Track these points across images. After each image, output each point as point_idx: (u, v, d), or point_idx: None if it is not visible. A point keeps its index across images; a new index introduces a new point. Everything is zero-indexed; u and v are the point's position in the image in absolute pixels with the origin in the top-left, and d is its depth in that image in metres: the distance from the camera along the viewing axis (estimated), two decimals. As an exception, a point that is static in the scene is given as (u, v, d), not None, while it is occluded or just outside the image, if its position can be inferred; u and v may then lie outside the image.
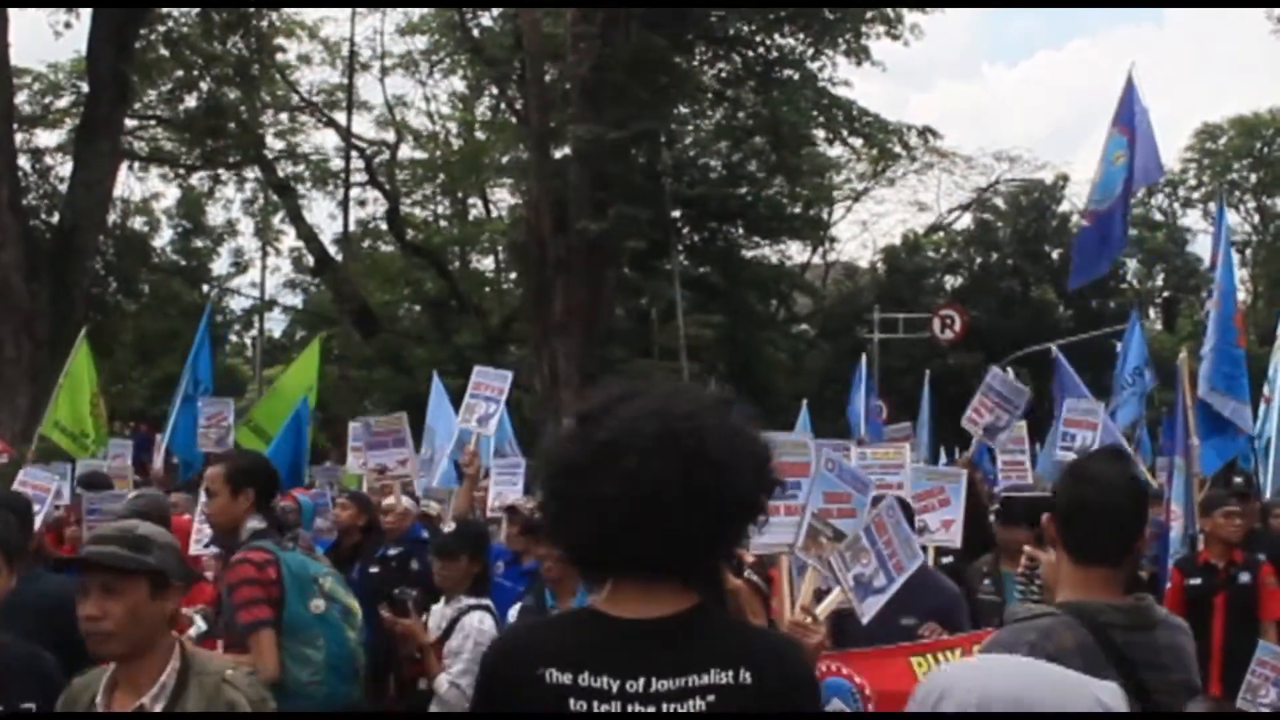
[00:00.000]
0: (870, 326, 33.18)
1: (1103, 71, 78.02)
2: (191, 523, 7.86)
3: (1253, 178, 46.21)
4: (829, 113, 29.94)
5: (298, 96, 35.47)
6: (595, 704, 2.12)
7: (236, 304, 43.02)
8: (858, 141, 32.02)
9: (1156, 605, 2.98)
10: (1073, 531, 2.96)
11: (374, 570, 7.54)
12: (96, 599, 3.08)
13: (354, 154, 34.67)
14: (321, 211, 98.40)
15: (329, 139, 36.61)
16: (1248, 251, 44.96)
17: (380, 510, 7.96)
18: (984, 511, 7.14)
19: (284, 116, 35.71)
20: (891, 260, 41.97)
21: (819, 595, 4.58)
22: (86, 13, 22.98)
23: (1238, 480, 10.38)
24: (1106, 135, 9.47)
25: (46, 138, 32.03)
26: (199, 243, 39.82)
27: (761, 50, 30.01)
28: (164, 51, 27.22)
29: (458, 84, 37.79)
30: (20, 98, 27.93)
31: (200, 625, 4.95)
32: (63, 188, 26.06)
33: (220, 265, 41.15)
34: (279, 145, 35.56)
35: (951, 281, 43.33)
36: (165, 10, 26.12)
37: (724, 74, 30.86)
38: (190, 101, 30.42)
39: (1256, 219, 46.90)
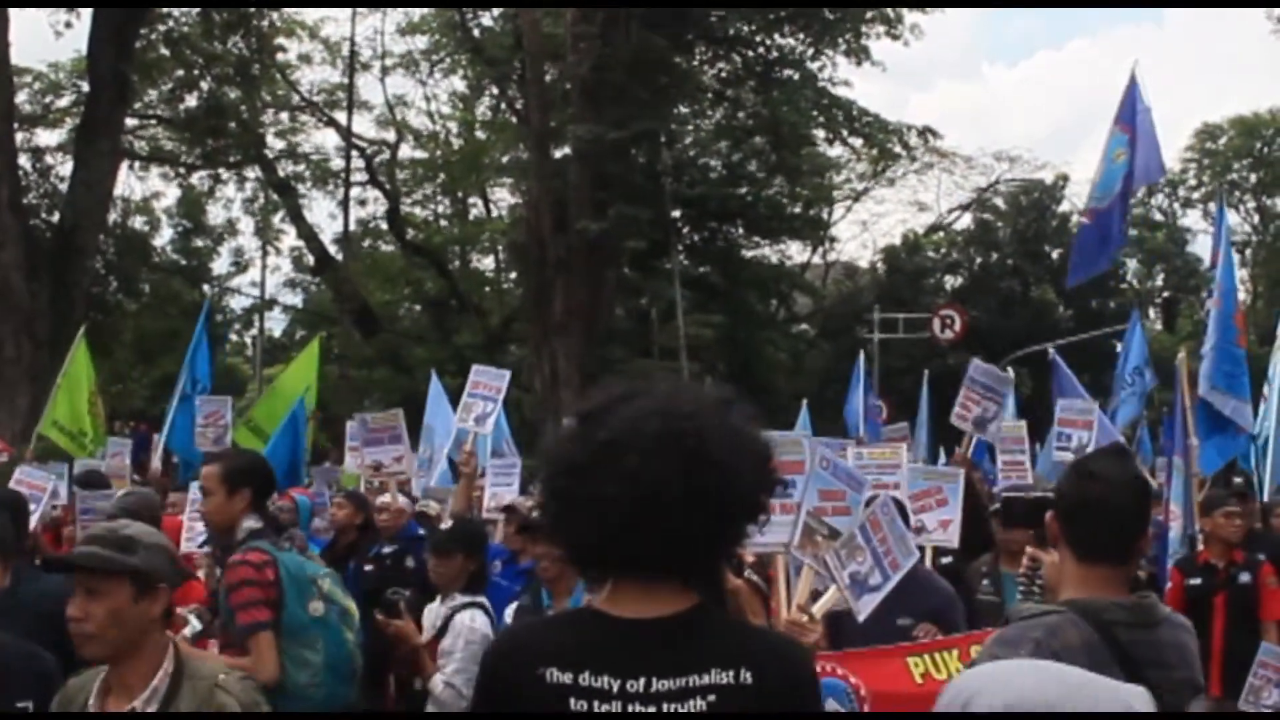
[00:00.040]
0: (870, 326, 33.17)
1: (1103, 71, 78.11)
2: (183, 522, 7.88)
3: (1253, 178, 46.22)
4: (829, 113, 29.95)
5: (298, 96, 35.48)
6: (596, 704, 2.12)
7: (236, 303, 43.11)
8: (858, 141, 32.03)
9: (1160, 603, 2.98)
10: (1077, 530, 2.96)
11: (369, 569, 7.55)
12: (80, 600, 3.08)
13: (354, 154, 34.71)
14: (322, 211, 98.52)
15: (329, 139, 36.68)
16: (1247, 252, 44.96)
17: (375, 509, 7.97)
18: (983, 512, 7.14)
19: (284, 116, 35.73)
20: (891, 260, 41.97)
21: (815, 594, 4.58)
22: (87, 12, 23.00)
23: (1237, 480, 10.39)
24: (1108, 133, 9.46)
25: (46, 137, 32.08)
26: (199, 242, 39.84)
27: (761, 50, 30.02)
28: (164, 51, 27.21)
29: (458, 84, 37.85)
30: (20, 97, 27.93)
31: (195, 624, 4.91)
32: (63, 187, 26.07)
33: (220, 265, 41.23)
34: (279, 145, 35.61)
35: (951, 281, 43.32)
36: (165, 10, 26.11)
37: (724, 74, 30.87)
38: (190, 101, 30.41)
39: (1256, 219, 46.92)
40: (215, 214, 39.32)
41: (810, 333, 40.03)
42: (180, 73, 28.90)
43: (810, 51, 29.79)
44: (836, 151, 34.52)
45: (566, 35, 25.78)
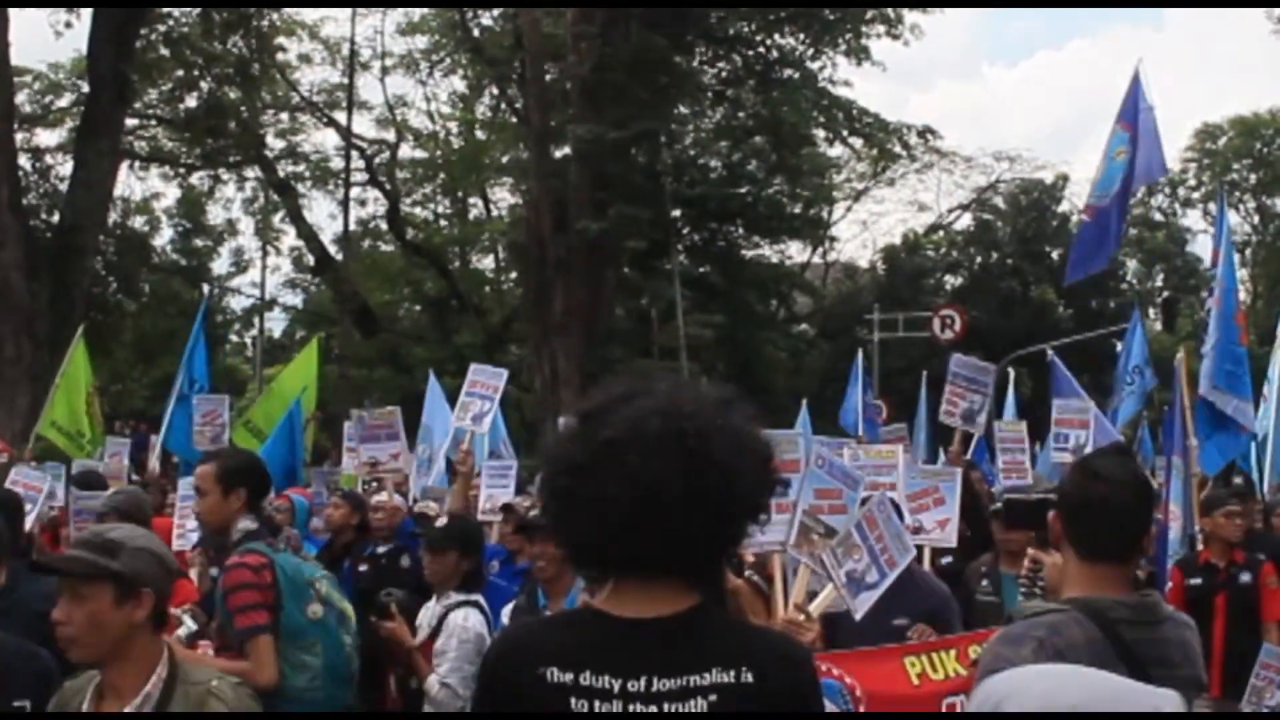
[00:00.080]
0: (870, 326, 33.18)
1: (1103, 71, 78.12)
2: (173, 522, 7.88)
3: (1252, 178, 46.24)
4: (829, 113, 29.99)
5: (298, 96, 35.49)
6: (596, 703, 2.11)
7: (237, 303, 43.12)
8: (858, 141, 32.09)
9: (1163, 601, 2.98)
10: (1080, 529, 2.96)
11: (364, 568, 7.53)
12: (63, 603, 3.06)
13: (354, 154, 34.70)
14: (322, 211, 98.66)
15: (329, 139, 36.70)
16: (1247, 251, 44.96)
17: (370, 509, 7.96)
18: (983, 512, 7.14)
19: (284, 116, 35.75)
20: (891, 260, 41.97)
21: (812, 594, 4.58)
22: (87, 13, 23.00)
23: (1238, 480, 10.39)
24: (1110, 131, 9.44)
25: (46, 137, 32.10)
26: (199, 242, 39.87)
27: (761, 50, 30.05)
28: (164, 51, 27.19)
29: (458, 84, 37.87)
30: (20, 97, 27.94)
31: (190, 625, 4.86)
32: (63, 187, 26.07)
33: (220, 265, 41.27)
34: (279, 145, 35.63)
35: (951, 281, 43.33)
36: (165, 10, 26.11)
37: (724, 74, 30.90)
38: (190, 101, 30.40)
39: (1256, 219, 46.94)
40: (215, 214, 39.41)
41: (810, 333, 40.04)
42: (180, 73, 28.88)
43: (810, 51, 29.83)
44: (836, 151, 34.61)
45: (566, 35, 25.79)
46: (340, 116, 35.07)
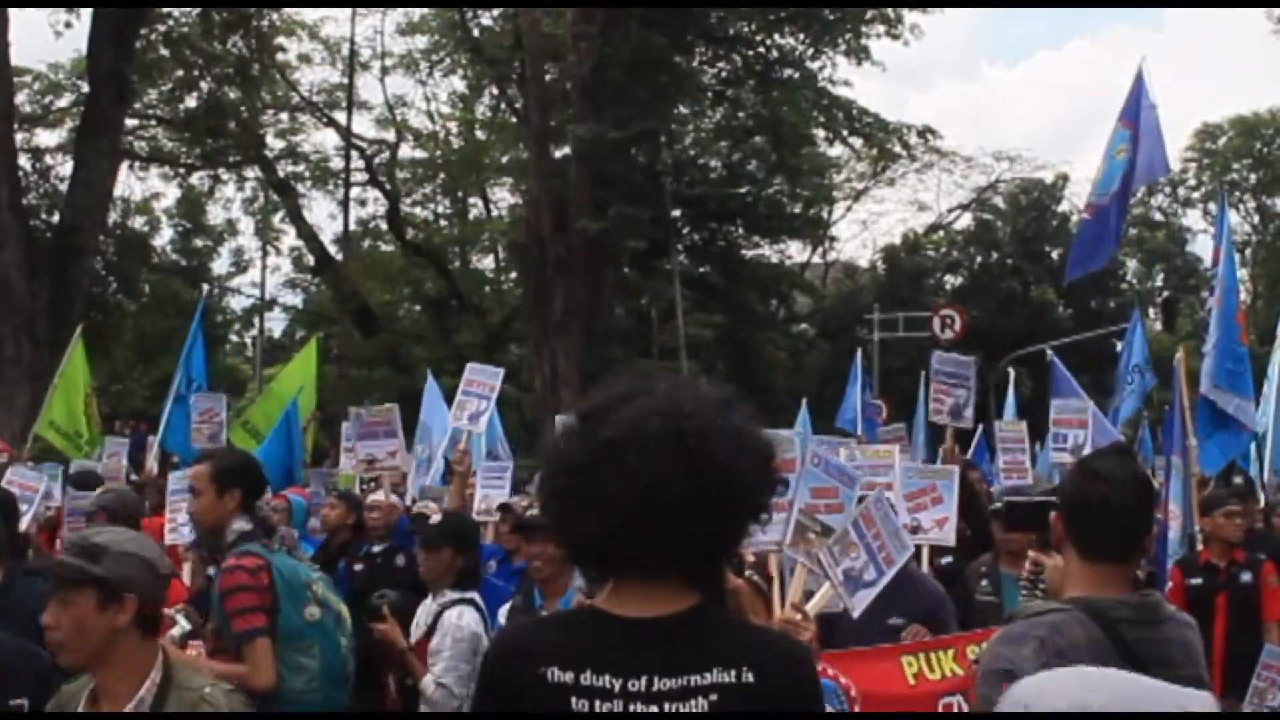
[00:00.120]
0: (870, 326, 33.17)
1: (1103, 71, 77.98)
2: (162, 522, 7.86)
3: (1252, 177, 46.24)
4: (829, 112, 29.98)
5: (298, 96, 35.49)
6: (597, 703, 2.11)
7: (237, 303, 43.11)
8: (858, 141, 32.09)
9: (1165, 601, 2.98)
10: (1082, 529, 2.97)
11: (359, 568, 7.52)
12: (52, 607, 3.06)
13: (354, 153, 34.70)
14: (321, 211, 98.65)
15: (329, 139, 36.69)
16: (1247, 251, 44.94)
17: (366, 508, 7.95)
18: (983, 512, 7.14)
19: (284, 116, 35.75)
20: (891, 260, 41.96)
21: (809, 593, 4.58)
22: (86, 13, 23.01)
23: (1238, 480, 10.38)
24: (1112, 130, 9.43)
25: (46, 138, 32.11)
26: (199, 242, 39.87)
27: (761, 50, 30.05)
28: (164, 51, 27.20)
29: (458, 84, 37.87)
30: (20, 98, 27.93)
31: (184, 624, 4.81)
32: (63, 187, 26.07)
33: (220, 265, 41.27)
34: (279, 145, 35.64)
35: (951, 281, 43.31)
36: (165, 10, 26.12)
37: (724, 74, 30.90)
38: (190, 101, 30.41)
39: (1256, 219, 46.94)
40: (215, 214, 39.42)
41: (810, 332, 40.03)
42: (180, 73, 28.90)
43: (810, 51, 29.83)
44: (836, 151, 34.60)
45: (566, 35, 25.79)
46: (340, 116, 35.09)
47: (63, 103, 32.03)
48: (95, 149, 21.89)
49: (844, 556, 4.49)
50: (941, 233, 43.72)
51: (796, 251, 38.19)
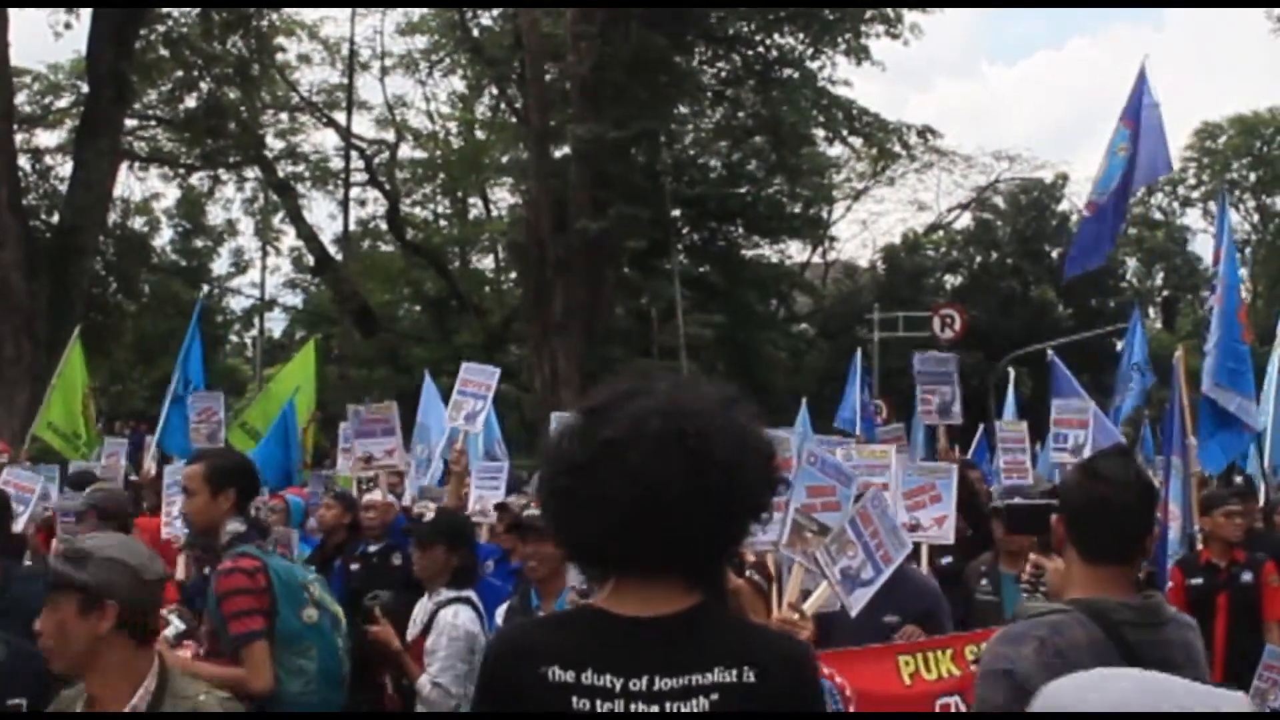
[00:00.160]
0: (870, 326, 33.16)
1: (1102, 71, 78.01)
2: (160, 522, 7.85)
3: (1252, 176, 46.23)
4: (829, 112, 29.98)
5: (298, 96, 35.50)
6: (598, 702, 2.11)
7: (236, 304, 43.12)
8: (857, 141, 32.09)
9: (1166, 603, 2.98)
10: (1083, 531, 2.96)
11: (355, 567, 7.50)
12: (45, 612, 3.05)
13: (354, 154, 34.74)
14: (321, 211, 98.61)
15: (329, 139, 36.72)
16: (1247, 250, 44.92)
17: (362, 507, 7.94)
18: (983, 511, 7.12)
19: (284, 116, 35.77)
20: (891, 259, 41.96)
21: (806, 592, 4.57)
22: (86, 13, 23.01)
23: (1238, 480, 10.37)
24: (1114, 128, 9.43)
25: (46, 138, 32.13)
26: (199, 243, 39.87)
27: (761, 50, 30.05)
28: (164, 51, 27.20)
29: (458, 84, 37.88)
30: (20, 98, 27.95)
31: (177, 625, 4.76)
32: (63, 188, 26.07)
33: (220, 265, 41.28)
34: (279, 145, 35.66)
35: (951, 281, 43.31)
36: (165, 10, 26.12)
37: (724, 73, 30.91)
38: (190, 101, 30.41)
39: (1256, 218, 46.93)
40: (215, 214, 39.44)
41: (810, 332, 40.03)
42: (180, 73, 28.89)
43: (810, 51, 29.83)
44: (836, 151, 34.61)
45: (566, 35, 25.79)
46: (340, 116, 35.13)
47: (62, 103, 32.05)
48: (95, 149, 21.90)
49: (841, 555, 4.48)
50: (941, 232, 43.72)
51: (796, 251, 38.27)
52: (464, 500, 8.23)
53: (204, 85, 29.55)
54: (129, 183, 33.54)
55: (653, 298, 29.70)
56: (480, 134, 36.74)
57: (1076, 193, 39.83)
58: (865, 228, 53.69)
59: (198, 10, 26.45)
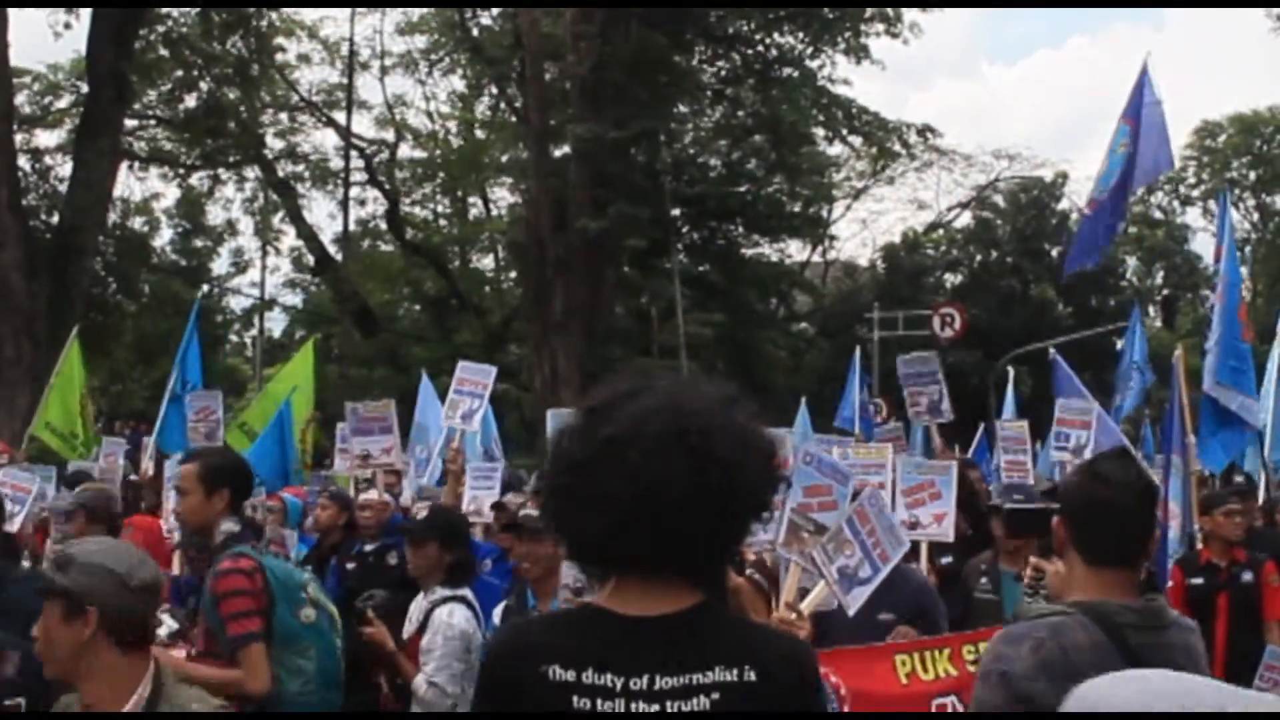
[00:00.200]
0: (870, 325, 33.15)
1: (1102, 71, 78.00)
2: (160, 522, 7.84)
3: (1252, 175, 46.22)
4: (828, 111, 29.99)
5: (297, 96, 35.49)
6: (599, 701, 2.10)
7: (236, 303, 43.12)
8: (857, 140, 32.09)
9: (1168, 606, 2.98)
10: (1084, 533, 2.96)
11: (351, 566, 7.48)
12: (40, 619, 3.03)
13: (354, 153, 34.73)
14: (321, 211, 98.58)
15: (329, 138, 36.71)
16: (1247, 249, 44.90)
17: (358, 506, 7.92)
18: (982, 511, 7.12)
19: (284, 116, 35.76)
20: (891, 258, 41.96)
21: (803, 591, 4.56)
22: (86, 13, 23.02)
23: (1239, 479, 10.36)
24: (1115, 126, 9.42)
25: (46, 138, 32.13)
26: (199, 243, 39.87)
27: (761, 49, 30.04)
28: (164, 51, 27.23)
29: (457, 83, 37.87)
30: (20, 98, 27.96)
31: (170, 624, 4.74)
32: (63, 188, 26.08)
33: (220, 265, 41.28)
34: (279, 145, 35.66)
35: (951, 279, 43.31)
36: (165, 10, 26.12)
37: (723, 73, 30.89)
38: (190, 101, 30.44)
39: (1256, 217, 46.91)
40: (215, 214, 39.43)
41: (810, 331, 40.01)
42: (179, 73, 28.92)
43: (809, 50, 29.82)
44: (836, 150, 34.62)
45: (566, 34, 25.79)
46: (339, 116, 35.12)
47: (62, 103, 32.05)
48: (95, 149, 21.90)
49: (838, 554, 4.47)
50: (941, 231, 43.71)
51: (796, 250, 38.27)
52: (460, 499, 8.23)
53: (204, 85, 29.57)
54: (129, 183, 33.58)
55: (653, 297, 29.69)
56: (480, 133, 36.73)
57: (1076, 192, 39.88)
58: (865, 227, 53.83)
59: (197, 10, 26.45)
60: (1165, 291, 47.75)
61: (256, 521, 5.75)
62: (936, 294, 39.70)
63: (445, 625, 5.36)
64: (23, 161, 26.96)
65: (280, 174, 35.02)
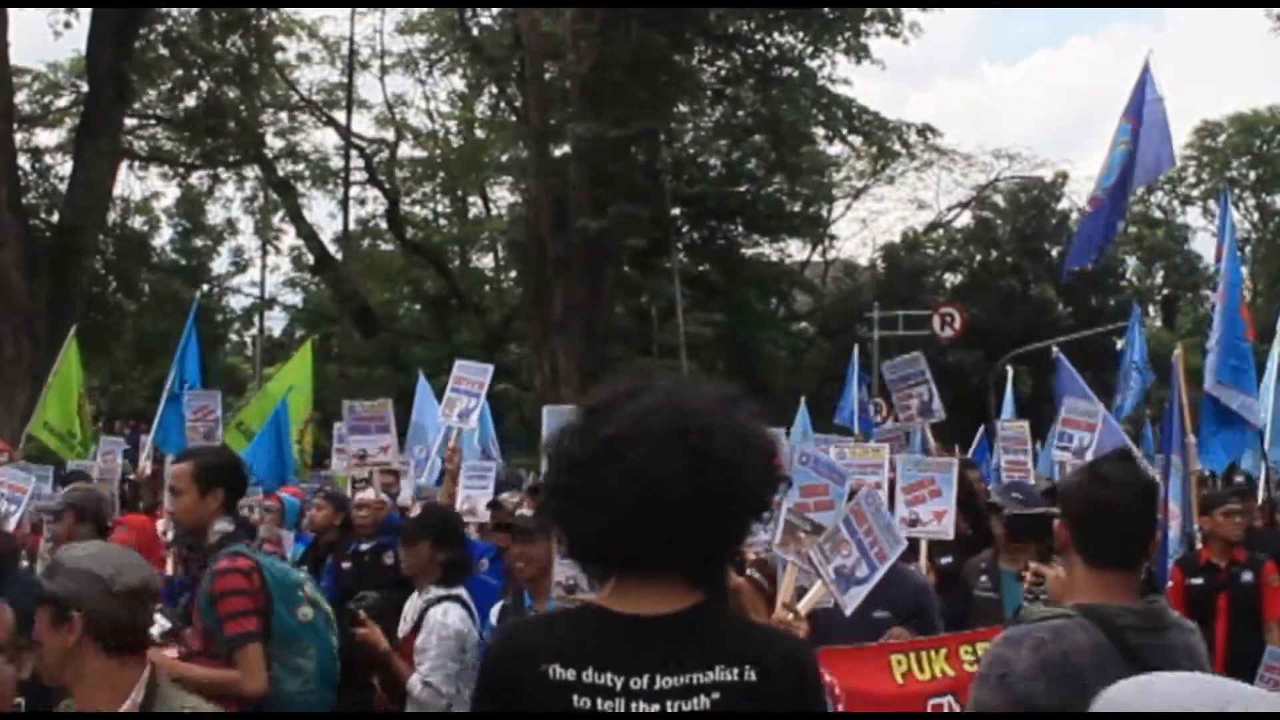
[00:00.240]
0: (870, 324, 33.13)
1: (1102, 70, 77.98)
2: (155, 522, 7.83)
3: (1252, 175, 46.21)
4: (828, 111, 29.98)
5: (297, 95, 35.51)
6: (599, 701, 2.10)
7: (236, 303, 43.13)
8: (857, 139, 32.08)
9: (1169, 608, 2.98)
10: (1086, 535, 2.96)
11: (347, 565, 7.47)
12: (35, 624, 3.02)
13: (354, 153, 34.75)
14: (321, 210, 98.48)
15: (329, 138, 36.73)
16: (1247, 249, 44.90)
17: (355, 505, 7.91)
18: (982, 511, 7.12)
19: (284, 115, 35.77)
20: (891, 258, 41.96)
21: (800, 591, 4.56)
22: (86, 12, 23.01)
23: (1239, 480, 10.34)
24: (1117, 124, 9.41)
25: (46, 137, 32.15)
26: (199, 242, 39.88)
27: (761, 48, 30.04)
28: (164, 51, 27.22)
29: (457, 82, 37.89)
30: (20, 98, 27.96)
31: (163, 623, 4.74)
32: (62, 187, 26.09)
33: (220, 264, 41.29)
34: (279, 144, 35.69)
35: (951, 279, 43.32)
36: (165, 10, 26.12)
37: (723, 72, 30.88)
38: (190, 101, 30.44)
39: (1256, 216, 46.92)
40: (215, 214, 39.46)
41: (810, 331, 40.02)
42: (179, 72, 28.92)
43: (809, 50, 29.82)
44: (836, 149, 34.63)
45: (566, 34, 25.79)
46: (339, 116, 35.15)
47: (62, 103, 32.06)
48: (95, 149, 21.91)
49: (835, 554, 4.48)
50: (941, 231, 43.72)
51: (796, 250, 38.28)
52: (456, 498, 8.21)
53: (204, 84, 29.57)
54: (129, 182, 33.61)
55: (652, 296, 29.68)
56: (480, 133, 36.74)
57: (1076, 191, 39.90)
58: (865, 226, 53.82)
59: (197, 10, 26.45)
60: (1165, 291, 47.76)
61: (250, 521, 5.73)
62: (936, 294, 39.70)
63: (440, 625, 5.33)
64: (23, 161, 26.98)
65: (280, 173, 35.03)
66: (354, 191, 35.46)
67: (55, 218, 24.51)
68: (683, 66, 28.16)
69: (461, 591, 5.58)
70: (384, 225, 37.63)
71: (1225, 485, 10.18)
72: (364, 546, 7.57)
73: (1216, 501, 7.68)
